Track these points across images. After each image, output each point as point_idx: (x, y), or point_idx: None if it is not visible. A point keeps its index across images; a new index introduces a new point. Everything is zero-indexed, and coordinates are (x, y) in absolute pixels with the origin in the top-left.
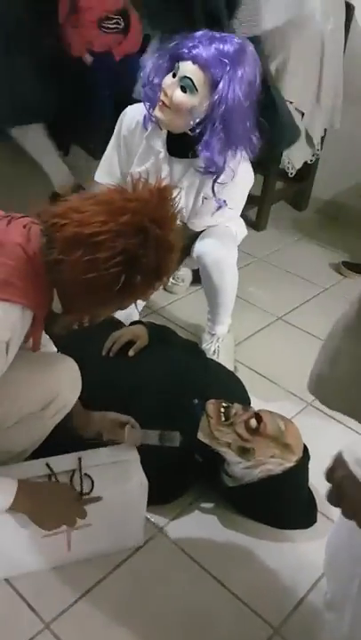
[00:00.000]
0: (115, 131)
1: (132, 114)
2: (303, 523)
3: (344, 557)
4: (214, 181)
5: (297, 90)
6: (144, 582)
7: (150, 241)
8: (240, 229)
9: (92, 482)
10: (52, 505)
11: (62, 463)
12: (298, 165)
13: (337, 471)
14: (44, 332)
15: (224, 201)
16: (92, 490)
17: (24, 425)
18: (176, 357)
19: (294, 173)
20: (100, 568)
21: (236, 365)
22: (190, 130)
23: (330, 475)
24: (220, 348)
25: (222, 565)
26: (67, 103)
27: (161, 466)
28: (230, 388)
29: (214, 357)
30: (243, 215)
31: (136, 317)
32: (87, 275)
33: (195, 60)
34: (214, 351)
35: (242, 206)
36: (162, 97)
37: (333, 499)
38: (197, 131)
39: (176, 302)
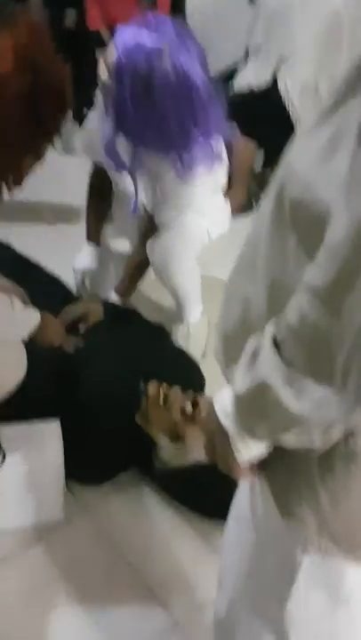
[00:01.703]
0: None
1: None
2: None
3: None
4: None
5: (312, 70)
6: (56, 563)
7: (42, 69)
8: (216, 225)
9: (4, 453)
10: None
11: None
12: None
13: (209, 424)
14: None
15: None
16: (3, 460)
17: None
18: (131, 339)
19: None
20: (13, 541)
21: (208, 350)
22: None
23: (204, 426)
24: (191, 332)
25: (141, 553)
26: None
27: (96, 446)
28: (184, 373)
29: (184, 341)
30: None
31: None
32: None
33: None
34: (184, 335)
35: (206, 205)
36: None
37: (208, 451)
38: None
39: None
